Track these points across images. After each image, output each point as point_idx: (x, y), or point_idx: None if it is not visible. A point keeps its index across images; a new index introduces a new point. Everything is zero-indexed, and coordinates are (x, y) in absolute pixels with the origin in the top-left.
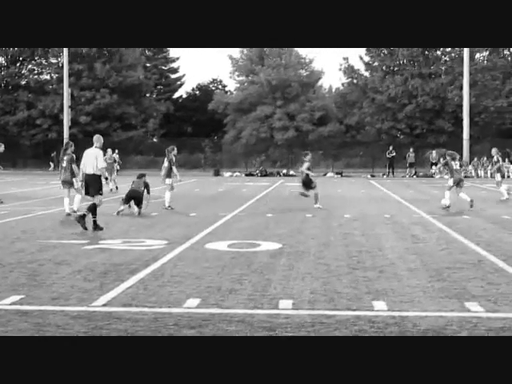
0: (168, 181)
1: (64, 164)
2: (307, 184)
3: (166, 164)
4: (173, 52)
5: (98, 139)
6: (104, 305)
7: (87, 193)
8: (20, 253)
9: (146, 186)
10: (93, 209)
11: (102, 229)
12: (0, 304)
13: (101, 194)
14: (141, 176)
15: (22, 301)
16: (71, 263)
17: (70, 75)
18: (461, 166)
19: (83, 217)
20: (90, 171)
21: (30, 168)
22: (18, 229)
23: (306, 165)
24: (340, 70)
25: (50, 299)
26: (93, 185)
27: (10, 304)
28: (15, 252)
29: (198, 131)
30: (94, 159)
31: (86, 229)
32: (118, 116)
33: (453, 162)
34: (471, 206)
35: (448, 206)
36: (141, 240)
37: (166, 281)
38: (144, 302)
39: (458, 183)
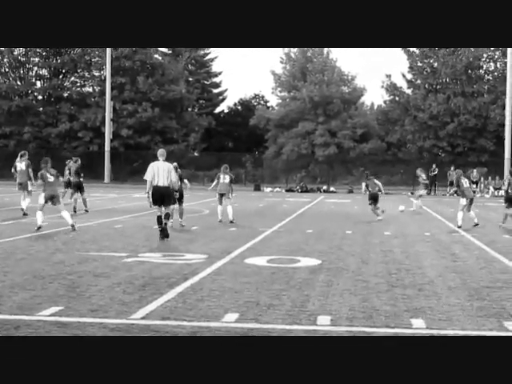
0: (231, 196)
1: (19, 169)
2: (376, 199)
3: (226, 180)
4: (215, 67)
5: (163, 153)
6: (142, 318)
7: (158, 204)
8: (60, 264)
9: (180, 177)
10: (167, 217)
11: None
12: (39, 315)
13: (173, 204)
14: (175, 169)
15: (61, 312)
16: (110, 275)
17: (112, 88)
18: (475, 182)
19: (165, 229)
20: (164, 184)
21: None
22: (59, 240)
23: (380, 183)
24: (382, 87)
25: (88, 311)
26: (168, 197)
27: (50, 315)
28: (55, 263)
29: (239, 146)
30: (167, 173)
31: (167, 236)
32: (159, 130)
33: (463, 181)
34: (474, 226)
35: (460, 226)
36: (180, 254)
37: (204, 295)
38: (182, 316)
39: (470, 201)
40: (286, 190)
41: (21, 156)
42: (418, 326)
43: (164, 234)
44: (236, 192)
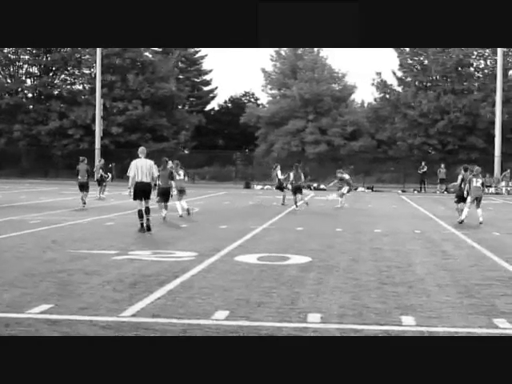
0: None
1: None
2: (301, 190)
3: (181, 176)
4: (206, 64)
5: (143, 151)
6: (133, 315)
7: (140, 198)
8: (51, 262)
9: (171, 174)
10: (148, 212)
11: (150, 230)
12: (29, 313)
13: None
14: (166, 163)
15: (51, 310)
16: (101, 273)
17: (102, 86)
18: (482, 184)
19: (147, 223)
20: (146, 180)
21: (61, 178)
22: (49, 238)
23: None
24: (373, 84)
25: (79, 309)
26: (149, 191)
27: (40, 313)
28: (46, 261)
29: (229, 144)
30: (148, 169)
31: (144, 231)
32: (149, 127)
33: (474, 179)
34: (480, 223)
35: (462, 221)
36: (170, 251)
37: (194, 292)
38: (173, 314)
39: (477, 199)
40: (277, 188)
41: (81, 161)
42: (408, 324)
43: (147, 227)
44: (226, 190)
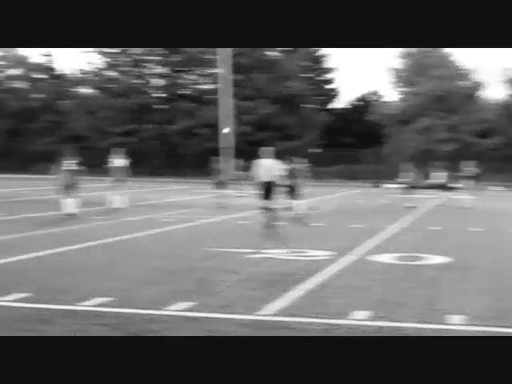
0: None
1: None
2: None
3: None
4: (329, 63)
5: (265, 151)
6: (272, 314)
7: (264, 197)
8: (186, 260)
9: (293, 171)
10: (271, 210)
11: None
12: (169, 309)
13: (275, 199)
14: (291, 161)
15: (192, 307)
16: (237, 271)
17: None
18: None
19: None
20: (268, 179)
21: (189, 177)
22: (183, 237)
23: None
24: (504, 81)
25: (218, 307)
26: (271, 190)
27: (180, 310)
28: (181, 259)
29: (357, 142)
30: (270, 168)
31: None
32: (278, 126)
33: None
34: None
35: None
36: (304, 250)
37: (332, 292)
38: (311, 313)
39: None
40: (412, 187)
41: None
42: None
43: (269, 224)
44: (357, 188)
